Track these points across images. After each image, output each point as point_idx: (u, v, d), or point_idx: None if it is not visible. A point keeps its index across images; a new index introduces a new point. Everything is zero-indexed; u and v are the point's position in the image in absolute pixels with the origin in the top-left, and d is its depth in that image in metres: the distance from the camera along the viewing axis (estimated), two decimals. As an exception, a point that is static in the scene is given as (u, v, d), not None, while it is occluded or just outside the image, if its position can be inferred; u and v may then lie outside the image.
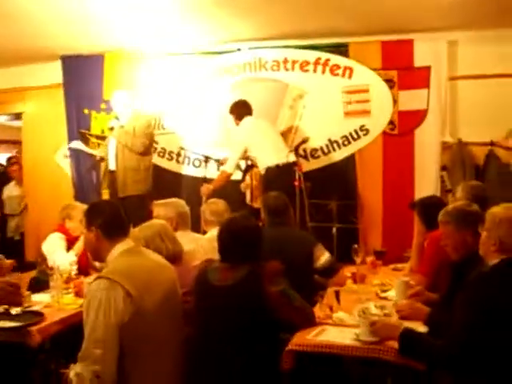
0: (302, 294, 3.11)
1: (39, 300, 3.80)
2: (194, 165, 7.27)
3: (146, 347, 2.69)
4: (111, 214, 2.98)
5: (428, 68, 6.72)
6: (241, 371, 2.87)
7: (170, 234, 3.58)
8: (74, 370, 2.58)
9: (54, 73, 7.62)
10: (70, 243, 4.82)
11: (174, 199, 4.54)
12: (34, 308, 3.59)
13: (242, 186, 6.63)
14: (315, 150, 6.90)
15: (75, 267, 4.34)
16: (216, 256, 3.21)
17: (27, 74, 7.86)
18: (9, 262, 4.51)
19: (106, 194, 6.96)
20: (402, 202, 6.49)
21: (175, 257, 3.41)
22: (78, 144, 7.19)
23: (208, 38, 6.96)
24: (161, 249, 3.39)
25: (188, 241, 3.91)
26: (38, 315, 3.38)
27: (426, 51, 6.72)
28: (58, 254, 4.67)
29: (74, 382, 2.57)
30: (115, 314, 2.58)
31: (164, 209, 4.28)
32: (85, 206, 4.93)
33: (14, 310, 3.42)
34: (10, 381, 3.46)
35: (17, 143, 12.52)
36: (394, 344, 2.65)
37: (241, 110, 6.40)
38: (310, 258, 4.04)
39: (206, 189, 6.20)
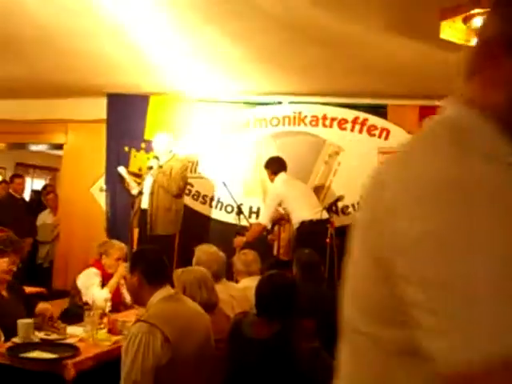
0: (330, 351, 3.18)
1: (73, 333, 3.90)
2: (226, 210, 7.39)
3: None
4: (154, 260, 3.11)
5: (462, 134, 6.79)
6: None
7: (209, 283, 3.67)
8: None
9: (98, 108, 7.84)
10: (105, 279, 4.92)
11: (214, 247, 4.62)
12: (69, 341, 3.71)
13: (270, 237, 6.72)
14: (346, 206, 6.99)
15: (109, 304, 4.46)
16: (247, 307, 3.30)
17: (72, 107, 8.10)
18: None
19: (136, 233, 7.11)
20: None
21: (210, 305, 3.50)
22: (122, 170, 7.33)
23: (251, 88, 7.16)
24: (196, 296, 3.48)
25: (222, 289, 3.99)
26: (74, 349, 3.49)
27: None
28: (94, 289, 4.78)
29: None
30: (153, 357, 2.68)
31: (206, 256, 4.35)
32: (122, 245, 5.11)
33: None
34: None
35: (52, 170, 12.87)
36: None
37: (276, 165, 6.53)
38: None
39: (239, 241, 6.29)
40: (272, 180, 6.50)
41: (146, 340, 2.71)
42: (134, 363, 2.68)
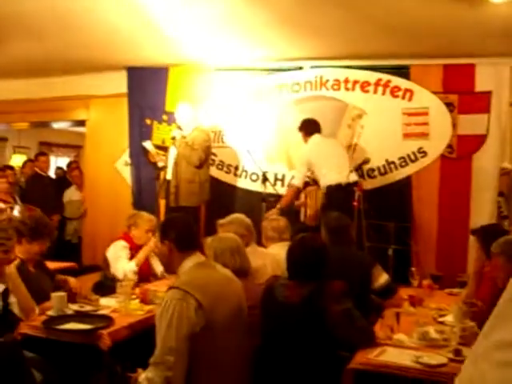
0: (360, 310, 3.18)
1: (106, 304, 3.94)
2: (251, 179, 7.38)
3: (215, 357, 2.79)
4: (184, 228, 3.11)
5: (489, 93, 6.70)
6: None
7: (241, 249, 3.67)
8: (144, 375, 2.70)
9: (118, 83, 7.83)
10: (134, 251, 4.95)
11: (236, 215, 4.61)
12: (103, 312, 3.75)
13: (297, 203, 6.70)
14: (372, 169, 6.92)
15: (136, 277, 4.51)
16: (280, 272, 3.30)
17: (93, 82, 8.12)
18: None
19: (162, 204, 7.14)
20: (457, 226, 6.51)
21: (242, 271, 3.50)
22: (148, 144, 7.33)
23: (271, 54, 7.08)
24: (228, 263, 3.47)
25: (256, 256, 4.00)
26: (108, 319, 3.53)
27: (487, 76, 6.70)
28: (121, 262, 4.81)
29: (145, 386, 2.69)
30: (187, 323, 2.68)
31: (233, 226, 4.34)
32: (152, 216, 5.12)
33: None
34: (76, 382, 3.59)
35: (76, 148, 12.95)
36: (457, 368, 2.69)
37: (310, 127, 6.49)
38: (369, 278, 4.09)
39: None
40: (306, 141, 6.46)
41: (180, 306, 2.70)
42: (169, 329, 2.69)
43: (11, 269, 3.56)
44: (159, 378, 2.64)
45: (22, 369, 2.38)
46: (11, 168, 9.19)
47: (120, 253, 4.90)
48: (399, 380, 3.09)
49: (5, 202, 7.25)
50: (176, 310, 2.70)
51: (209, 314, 2.74)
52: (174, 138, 6.71)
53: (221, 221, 4.56)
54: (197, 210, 6.76)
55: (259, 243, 4.75)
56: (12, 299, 3.53)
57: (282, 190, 7.06)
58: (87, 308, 3.83)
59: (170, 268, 3.19)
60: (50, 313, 3.62)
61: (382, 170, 6.94)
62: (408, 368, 2.84)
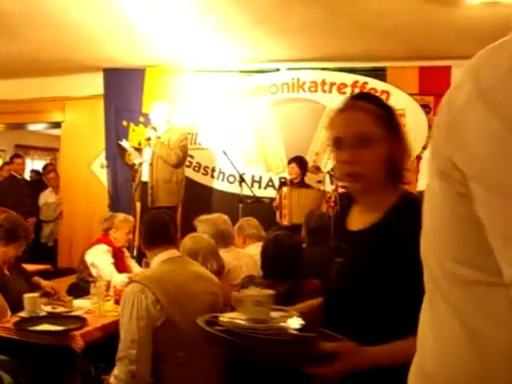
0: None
1: (80, 305, 3.90)
2: (228, 181, 7.36)
3: (181, 354, 2.79)
4: (150, 225, 3.12)
5: (465, 95, 6.72)
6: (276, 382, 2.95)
7: (214, 250, 3.67)
8: (112, 374, 2.70)
9: (94, 84, 7.78)
10: (114, 254, 4.86)
11: (216, 215, 4.58)
12: (76, 313, 3.70)
13: (274, 204, 6.70)
14: (349, 172, 6.92)
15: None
16: (256, 272, 3.29)
17: (68, 84, 8.04)
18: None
19: (138, 206, 7.09)
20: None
21: (216, 272, 3.48)
22: (125, 143, 7.26)
23: (247, 56, 7.08)
24: (202, 264, 3.45)
25: (232, 257, 3.98)
26: (81, 320, 3.49)
27: (463, 78, 6.74)
28: (112, 271, 4.63)
29: (114, 384, 2.68)
30: (147, 316, 2.70)
31: (206, 225, 4.32)
32: (130, 217, 5.07)
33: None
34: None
35: (52, 150, 12.82)
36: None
37: None
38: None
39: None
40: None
41: (139, 299, 2.72)
42: (130, 322, 2.70)
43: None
44: (124, 374, 2.66)
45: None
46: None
47: (104, 257, 4.77)
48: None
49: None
50: (135, 303, 2.73)
51: (168, 309, 2.74)
52: (148, 139, 6.66)
53: (200, 217, 4.53)
54: (175, 210, 6.71)
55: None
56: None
57: (259, 191, 7.06)
58: (60, 309, 3.78)
59: (148, 265, 3.19)
60: (22, 314, 3.57)
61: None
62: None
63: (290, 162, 6.71)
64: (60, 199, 8.50)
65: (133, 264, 5.06)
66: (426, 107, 6.83)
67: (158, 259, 2.99)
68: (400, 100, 6.89)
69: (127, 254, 5.01)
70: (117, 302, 3.90)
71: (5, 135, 11.75)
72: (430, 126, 6.79)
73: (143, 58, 7.19)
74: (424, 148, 6.77)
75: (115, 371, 2.71)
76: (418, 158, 6.79)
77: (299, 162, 6.65)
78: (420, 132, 6.81)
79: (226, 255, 3.83)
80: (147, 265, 3.44)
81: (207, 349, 2.92)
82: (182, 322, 2.78)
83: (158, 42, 6.58)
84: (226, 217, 4.50)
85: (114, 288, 4.12)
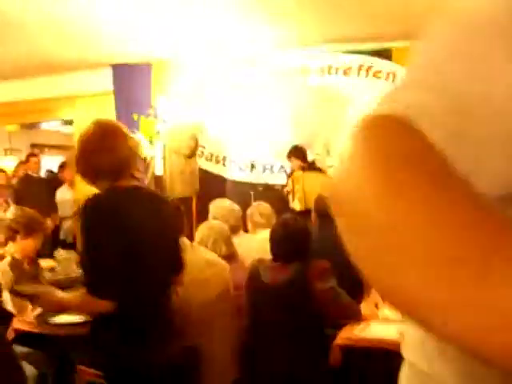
0: (348, 292, 3.25)
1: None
2: (240, 169, 7.44)
3: (197, 339, 2.88)
4: None
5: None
6: (288, 364, 3.04)
7: (225, 236, 3.75)
8: None
9: (103, 80, 7.88)
10: None
11: (228, 201, 4.68)
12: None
13: (286, 190, 6.76)
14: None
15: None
16: (267, 256, 3.37)
17: (78, 81, 8.14)
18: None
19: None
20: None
21: (229, 257, 3.57)
22: (139, 136, 7.29)
23: (254, 43, 7.10)
24: (214, 250, 3.54)
25: (240, 242, 4.07)
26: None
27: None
28: None
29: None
30: None
31: (222, 210, 4.42)
32: None
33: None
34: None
35: (67, 148, 12.94)
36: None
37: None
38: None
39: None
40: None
41: None
42: None
43: (4, 266, 3.61)
44: None
45: (9, 363, 2.40)
46: (2, 171, 9.22)
47: None
48: (385, 354, 3.17)
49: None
50: None
51: (183, 296, 2.82)
52: (159, 132, 6.76)
53: (214, 202, 4.63)
54: (190, 200, 6.81)
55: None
56: (4, 297, 3.59)
57: (271, 178, 7.14)
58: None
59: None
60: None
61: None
62: (392, 341, 2.91)
63: (288, 157, 6.73)
64: (76, 195, 8.61)
65: None
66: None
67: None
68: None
69: None
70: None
71: (20, 135, 11.93)
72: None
73: (150, 52, 7.26)
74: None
75: None
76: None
77: (296, 154, 6.69)
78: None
79: (236, 241, 3.91)
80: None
81: (222, 333, 3.03)
82: (196, 308, 2.88)
83: (164, 35, 6.64)
84: (235, 207, 4.57)
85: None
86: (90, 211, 2.32)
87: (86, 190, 7.98)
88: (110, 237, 2.26)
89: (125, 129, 2.57)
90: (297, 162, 6.60)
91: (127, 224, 2.31)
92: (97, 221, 2.31)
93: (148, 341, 2.42)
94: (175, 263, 2.67)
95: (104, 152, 2.42)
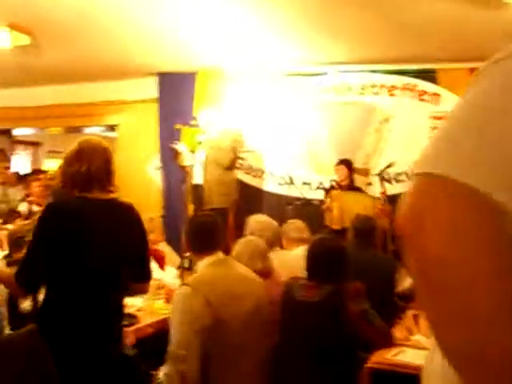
0: (381, 315, 3.23)
1: (132, 303, 4.03)
2: (278, 183, 7.44)
3: (229, 352, 2.90)
4: (198, 230, 3.22)
5: (516, 97, 6.62)
6: (318, 383, 3.02)
7: (262, 251, 3.75)
8: (162, 371, 2.82)
9: (148, 88, 8.01)
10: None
11: (265, 217, 4.69)
12: (128, 311, 3.84)
13: (324, 207, 6.74)
14: (399, 174, 6.92)
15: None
16: (301, 273, 3.36)
17: (124, 88, 8.28)
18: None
19: (191, 208, 7.23)
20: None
21: (264, 272, 3.57)
22: (180, 145, 7.29)
23: (297, 59, 7.13)
24: (249, 265, 3.54)
25: (276, 257, 4.07)
26: (133, 317, 3.63)
27: (514, 80, 6.64)
28: (160, 273, 4.80)
29: (163, 381, 2.82)
30: (196, 319, 2.80)
31: (260, 225, 4.44)
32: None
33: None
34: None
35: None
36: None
37: None
38: (393, 281, 4.14)
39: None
40: None
41: (189, 302, 2.82)
42: (180, 325, 2.81)
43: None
44: (174, 373, 2.77)
45: (42, 359, 2.48)
46: (44, 172, 9.38)
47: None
48: (416, 381, 3.12)
49: (39, 205, 7.42)
50: (186, 306, 2.82)
51: (218, 310, 2.84)
52: (200, 143, 6.83)
53: (253, 217, 4.65)
54: (226, 211, 6.83)
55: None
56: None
57: (309, 193, 7.14)
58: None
59: (193, 267, 3.30)
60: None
61: (410, 174, 6.93)
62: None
63: (337, 164, 6.75)
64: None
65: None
66: (477, 109, 6.72)
67: (204, 263, 3.08)
68: (451, 102, 6.84)
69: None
70: (167, 301, 4.04)
71: (63, 138, 12.11)
72: (480, 129, 6.68)
73: (195, 61, 7.33)
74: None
75: (165, 369, 2.83)
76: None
77: (347, 164, 6.70)
78: (471, 134, 6.71)
79: (271, 257, 3.91)
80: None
81: (253, 348, 3.03)
82: (230, 322, 2.89)
83: (208, 45, 6.70)
84: (273, 223, 4.58)
85: (165, 288, 4.26)
86: (45, 211, 2.70)
87: (124, 194, 8.11)
88: (49, 236, 2.60)
89: (107, 147, 2.89)
90: (344, 172, 6.60)
91: (76, 228, 2.61)
92: (45, 220, 2.65)
93: (87, 335, 2.64)
94: (137, 271, 2.90)
95: (77, 165, 2.72)
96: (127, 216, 2.89)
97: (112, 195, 2.89)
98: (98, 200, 2.75)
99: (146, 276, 2.99)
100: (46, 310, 2.71)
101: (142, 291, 3.23)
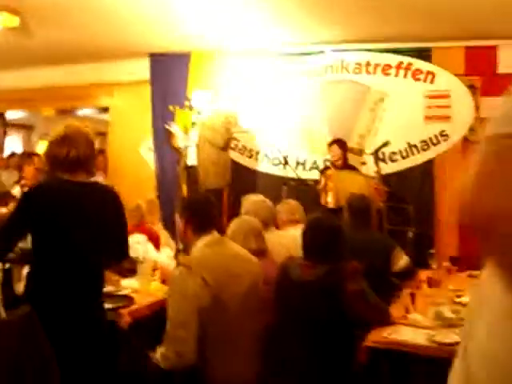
0: (378, 294, 3.21)
1: (127, 285, 4.02)
2: (273, 163, 7.41)
3: (226, 331, 2.90)
4: (198, 210, 3.19)
5: (512, 75, 6.61)
6: (315, 362, 3.02)
7: (257, 231, 3.73)
8: (159, 351, 2.81)
9: (141, 69, 7.91)
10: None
11: (261, 196, 4.66)
12: (124, 292, 3.83)
13: (319, 187, 6.72)
14: (394, 153, 6.90)
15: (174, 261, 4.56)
16: (296, 254, 3.34)
17: (116, 69, 8.19)
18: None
19: (184, 189, 7.20)
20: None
21: (259, 252, 3.55)
22: (173, 127, 7.23)
23: (291, 39, 7.08)
24: (244, 245, 3.52)
25: (271, 237, 4.04)
26: (129, 299, 3.61)
27: (510, 58, 6.61)
28: (156, 254, 4.72)
29: (160, 361, 2.80)
30: (193, 298, 2.79)
31: (254, 205, 4.41)
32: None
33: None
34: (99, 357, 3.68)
35: (101, 135, 13.06)
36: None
37: None
38: (389, 260, 4.13)
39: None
40: None
41: (186, 283, 2.81)
42: (177, 305, 2.80)
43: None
44: (171, 353, 2.77)
45: (38, 341, 2.49)
46: (37, 155, 9.32)
47: (146, 246, 4.85)
48: (412, 359, 3.13)
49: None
50: (182, 286, 2.81)
51: (216, 290, 2.83)
52: (194, 124, 6.79)
53: (247, 197, 4.63)
54: (221, 192, 6.80)
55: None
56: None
57: (303, 173, 7.12)
58: (109, 288, 3.90)
59: (187, 246, 3.27)
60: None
61: (404, 154, 6.92)
62: (422, 346, 2.88)
63: (330, 144, 6.73)
64: (108, 182, 8.67)
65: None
66: (472, 88, 6.71)
67: (202, 242, 3.06)
68: (446, 81, 6.82)
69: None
70: (163, 282, 4.03)
71: (55, 120, 12.03)
72: (476, 107, 6.69)
73: (188, 42, 7.25)
74: (471, 130, 6.68)
75: (162, 349, 2.83)
76: (465, 139, 6.70)
77: (340, 143, 6.68)
78: (466, 113, 6.71)
79: (266, 237, 3.88)
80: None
81: (250, 327, 3.03)
82: (228, 302, 2.88)
83: (202, 26, 6.63)
84: (268, 202, 4.55)
85: (161, 268, 4.24)
86: (27, 191, 2.98)
87: (118, 176, 8.10)
88: (29, 211, 2.78)
89: (90, 133, 3.04)
90: (337, 151, 6.58)
91: (57, 205, 2.80)
92: (25, 198, 2.87)
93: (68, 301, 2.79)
94: (114, 250, 3.07)
95: (62, 147, 2.87)
96: (107, 198, 3.05)
97: (94, 178, 3.13)
98: (81, 183, 2.90)
99: (124, 253, 3.14)
100: (30, 281, 2.85)
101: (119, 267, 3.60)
